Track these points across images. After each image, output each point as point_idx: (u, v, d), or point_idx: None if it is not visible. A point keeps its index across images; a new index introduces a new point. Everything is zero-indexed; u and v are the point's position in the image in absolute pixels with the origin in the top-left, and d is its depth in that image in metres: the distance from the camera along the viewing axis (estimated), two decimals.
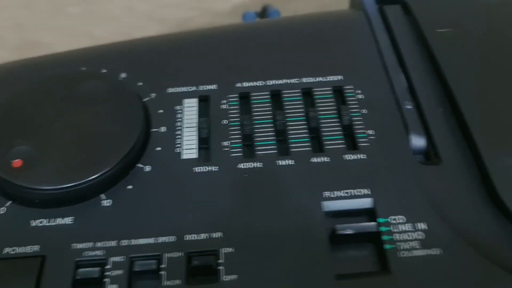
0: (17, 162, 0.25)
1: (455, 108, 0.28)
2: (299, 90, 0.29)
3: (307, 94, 0.29)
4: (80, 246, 0.23)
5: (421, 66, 0.30)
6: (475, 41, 0.31)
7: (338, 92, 0.29)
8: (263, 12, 0.44)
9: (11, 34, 0.51)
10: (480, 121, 0.27)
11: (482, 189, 0.25)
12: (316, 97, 0.28)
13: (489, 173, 0.25)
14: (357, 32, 0.32)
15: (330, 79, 0.29)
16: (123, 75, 0.30)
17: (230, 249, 0.23)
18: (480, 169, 0.25)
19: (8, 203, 0.25)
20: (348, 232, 0.23)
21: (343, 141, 0.26)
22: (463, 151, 0.26)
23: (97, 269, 0.22)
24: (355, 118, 0.27)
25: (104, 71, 0.30)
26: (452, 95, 0.28)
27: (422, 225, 0.23)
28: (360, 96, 0.28)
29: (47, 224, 0.24)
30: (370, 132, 0.27)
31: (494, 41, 0.31)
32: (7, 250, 0.23)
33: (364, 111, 0.28)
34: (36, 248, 0.23)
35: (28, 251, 0.23)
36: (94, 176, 0.25)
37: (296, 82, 0.29)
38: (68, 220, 0.24)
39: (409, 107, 0.28)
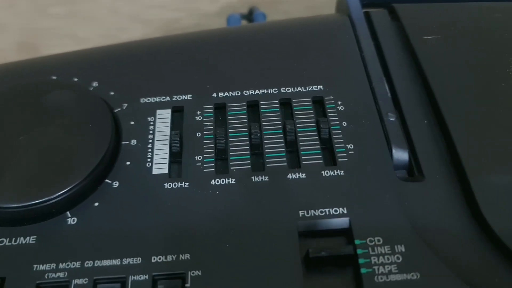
0: None
1: (440, 120, 0.27)
2: (277, 101, 0.27)
3: (286, 105, 0.28)
4: (42, 267, 0.22)
5: (407, 75, 0.29)
6: (464, 50, 0.29)
7: (318, 103, 0.28)
8: (250, 15, 0.43)
9: None
10: (466, 135, 0.26)
11: (466, 207, 0.24)
12: (295, 108, 0.27)
13: (473, 190, 0.24)
14: (340, 38, 0.31)
15: (310, 89, 0.28)
16: (95, 84, 0.28)
17: (197, 272, 0.22)
18: (464, 186, 0.24)
19: None
20: (323, 255, 0.22)
21: (321, 156, 0.25)
22: (448, 166, 0.25)
23: None
24: (334, 131, 0.26)
25: (75, 79, 0.29)
26: (437, 107, 0.27)
27: (400, 248, 0.22)
28: (340, 108, 0.27)
29: (8, 243, 0.23)
30: (349, 146, 0.26)
31: (483, 50, 0.29)
32: None
33: (344, 123, 0.26)
34: None
35: None
36: (58, 193, 0.23)
37: (275, 92, 0.28)
38: (30, 240, 0.23)
39: (392, 119, 0.27)
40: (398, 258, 0.22)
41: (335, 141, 0.26)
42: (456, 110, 0.27)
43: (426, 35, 0.30)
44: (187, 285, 0.21)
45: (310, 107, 0.27)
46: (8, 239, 0.23)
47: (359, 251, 0.22)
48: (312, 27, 0.31)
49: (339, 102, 0.27)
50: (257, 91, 0.28)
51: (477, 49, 0.29)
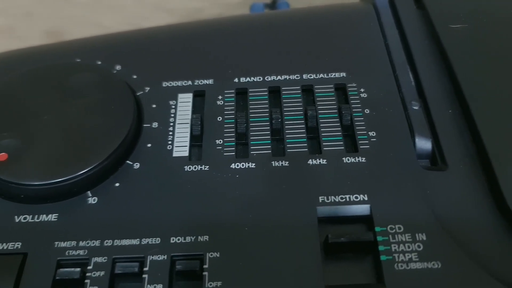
0: (2, 156, 0.24)
1: (465, 110, 0.26)
2: (299, 87, 0.27)
3: (308, 91, 0.27)
4: (62, 244, 0.22)
5: (432, 64, 0.28)
6: (491, 39, 0.29)
7: (341, 90, 0.27)
8: (273, 4, 0.43)
9: (22, 23, 0.51)
10: (492, 125, 0.25)
11: (490, 198, 0.23)
12: (317, 95, 0.27)
13: (498, 181, 0.23)
14: (364, 26, 0.30)
15: (333, 76, 0.28)
16: (118, 67, 0.29)
17: (216, 254, 0.22)
18: (489, 177, 0.24)
19: None
20: (342, 241, 0.22)
21: (343, 143, 0.25)
22: (472, 156, 0.25)
23: (77, 269, 0.21)
24: (356, 118, 0.26)
25: (99, 62, 0.29)
26: (463, 96, 0.26)
27: (421, 236, 0.22)
28: (363, 95, 0.27)
29: (31, 220, 0.23)
30: (371, 133, 0.25)
31: (511, 40, 0.29)
32: None
33: (367, 110, 0.26)
34: (18, 245, 0.22)
35: (10, 248, 0.22)
36: (80, 172, 0.24)
37: (297, 78, 0.28)
38: (52, 217, 0.23)
39: (415, 107, 0.26)
40: (419, 246, 0.21)
41: (357, 128, 0.25)
42: (483, 99, 0.26)
43: (453, 24, 0.29)
44: (205, 266, 0.21)
45: (333, 93, 0.27)
46: (31, 216, 0.23)
47: (379, 238, 0.22)
48: (336, 15, 0.31)
49: (362, 90, 0.27)
50: (279, 77, 0.28)
51: (506, 38, 0.29)
